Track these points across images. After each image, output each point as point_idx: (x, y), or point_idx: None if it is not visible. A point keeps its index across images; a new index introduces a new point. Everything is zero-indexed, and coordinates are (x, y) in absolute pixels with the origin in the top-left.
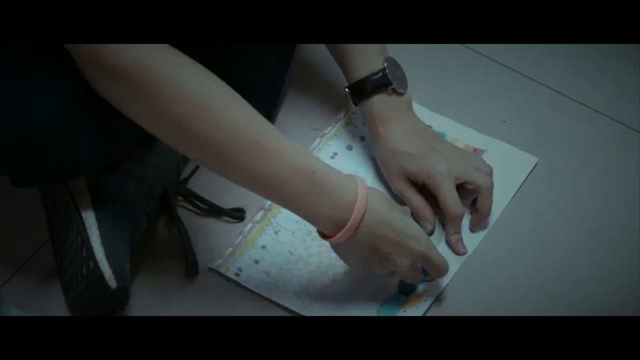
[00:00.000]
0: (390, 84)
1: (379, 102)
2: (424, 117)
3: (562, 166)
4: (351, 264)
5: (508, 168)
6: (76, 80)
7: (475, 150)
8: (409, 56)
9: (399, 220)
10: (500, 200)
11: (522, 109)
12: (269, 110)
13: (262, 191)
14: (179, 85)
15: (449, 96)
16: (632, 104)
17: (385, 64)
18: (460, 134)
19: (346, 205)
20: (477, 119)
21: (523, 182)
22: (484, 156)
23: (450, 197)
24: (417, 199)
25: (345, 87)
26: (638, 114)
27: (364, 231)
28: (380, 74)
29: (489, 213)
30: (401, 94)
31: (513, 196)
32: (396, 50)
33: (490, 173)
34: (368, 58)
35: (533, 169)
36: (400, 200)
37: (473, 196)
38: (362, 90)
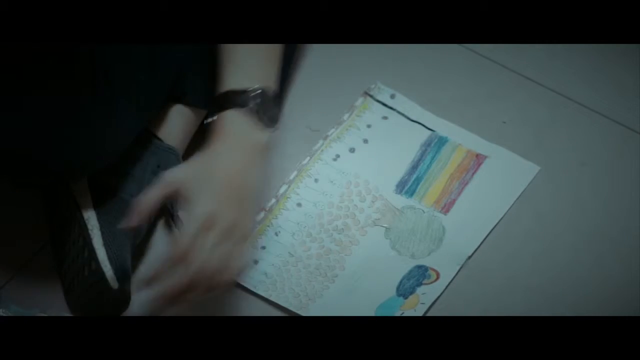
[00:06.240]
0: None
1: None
2: (428, 121)
3: (561, 167)
4: None
5: (509, 176)
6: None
7: (477, 155)
8: (409, 56)
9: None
10: (499, 208)
11: (521, 110)
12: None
13: None
14: None
15: (448, 97)
16: (632, 105)
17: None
18: (463, 138)
19: None
20: (476, 120)
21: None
22: (487, 162)
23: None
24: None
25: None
26: (638, 115)
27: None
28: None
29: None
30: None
31: (512, 204)
32: (396, 51)
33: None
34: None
35: (534, 177)
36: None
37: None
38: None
